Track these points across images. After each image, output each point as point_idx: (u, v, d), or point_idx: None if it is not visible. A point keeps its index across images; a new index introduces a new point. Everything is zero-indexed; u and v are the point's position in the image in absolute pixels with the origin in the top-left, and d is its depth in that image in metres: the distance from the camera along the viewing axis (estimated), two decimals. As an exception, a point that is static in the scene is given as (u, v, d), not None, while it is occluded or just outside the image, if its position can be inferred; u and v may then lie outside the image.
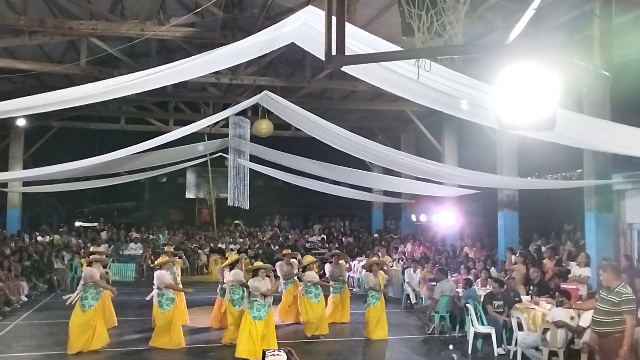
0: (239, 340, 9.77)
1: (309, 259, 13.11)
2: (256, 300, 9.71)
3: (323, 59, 4.75)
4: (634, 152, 9.34)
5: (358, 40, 6.46)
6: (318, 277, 12.49)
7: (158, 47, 16.08)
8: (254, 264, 10.56)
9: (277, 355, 6.57)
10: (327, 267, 13.87)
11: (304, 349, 10.81)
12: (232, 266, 11.41)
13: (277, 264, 13.69)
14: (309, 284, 11.95)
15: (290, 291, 13.25)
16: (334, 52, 4.42)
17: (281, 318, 13.20)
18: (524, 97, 4.03)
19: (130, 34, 11.93)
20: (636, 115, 11.55)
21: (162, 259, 11.98)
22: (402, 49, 5.74)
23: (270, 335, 9.74)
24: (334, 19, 4.52)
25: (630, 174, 12.96)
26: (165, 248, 15.05)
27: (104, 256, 13.27)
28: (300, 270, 12.84)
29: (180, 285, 12.12)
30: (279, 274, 13.00)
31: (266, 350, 6.95)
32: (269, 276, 10.20)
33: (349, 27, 4.96)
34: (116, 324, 12.22)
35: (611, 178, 11.99)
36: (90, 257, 11.53)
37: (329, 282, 13.12)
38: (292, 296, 13.22)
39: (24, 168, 21.07)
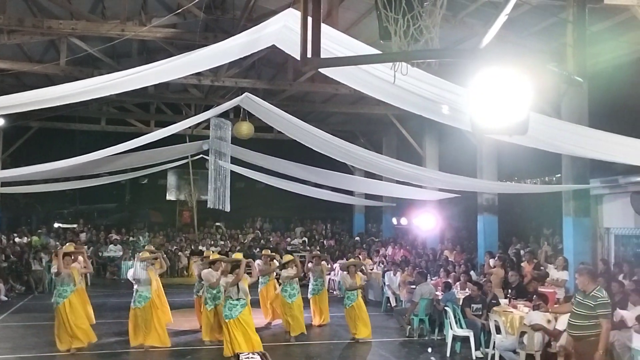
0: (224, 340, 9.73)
1: (288, 257, 13.09)
2: (230, 298, 9.55)
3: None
4: (610, 157, 9.48)
5: (335, 42, 6.45)
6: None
7: (139, 48, 15.98)
8: (233, 256, 10.50)
9: (251, 358, 6.53)
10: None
11: (284, 351, 10.87)
12: (209, 266, 11.37)
13: (256, 262, 13.73)
14: (286, 280, 11.98)
15: (262, 292, 13.31)
16: (309, 54, 4.42)
17: (266, 318, 13.29)
18: (497, 101, 4.06)
19: (111, 34, 11.81)
20: (614, 121, 11.71)
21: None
22: (379, 52, 5.75)
23: (243, 335, 9.37)
24: (310, 20, 4.52)
25: (607, 179, 13.11)
26: (146, 247, 14.93)
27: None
28: (279, 269, 12.81)
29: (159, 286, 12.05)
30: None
31: (240, 353, 6.90)
32: (249, 266, 10.22)
33: (326, 30, 4.96)
34: (94, 322, 12.03)
35: (589, 183, 12.14)
36: (64, 251, 11.14)
37: (306, 276, 13.18)
38: (272, 294, 13.21)
39: (3, 168, 20.72)
